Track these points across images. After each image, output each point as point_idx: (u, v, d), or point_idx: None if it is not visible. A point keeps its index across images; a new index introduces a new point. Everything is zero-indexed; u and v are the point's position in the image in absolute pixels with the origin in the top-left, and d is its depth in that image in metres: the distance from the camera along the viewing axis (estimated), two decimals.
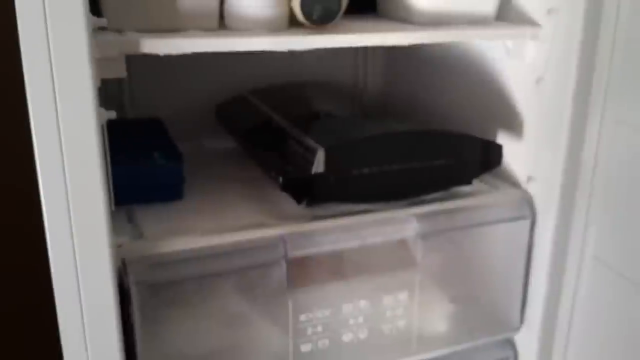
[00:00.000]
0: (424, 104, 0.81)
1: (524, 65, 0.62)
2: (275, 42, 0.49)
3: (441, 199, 0.59)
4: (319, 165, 0.52)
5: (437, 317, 0.59)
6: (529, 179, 0.63)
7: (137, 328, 0.46)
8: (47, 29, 0.38)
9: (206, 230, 0.51)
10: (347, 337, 0.55)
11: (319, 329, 0.53)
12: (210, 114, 0.78)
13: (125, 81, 0.77)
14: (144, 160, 0.58)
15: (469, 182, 0.61)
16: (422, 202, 0.58)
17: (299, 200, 0.56)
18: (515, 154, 0.64)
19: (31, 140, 0.40)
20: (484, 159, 0.60)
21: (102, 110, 0.42)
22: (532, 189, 0.62)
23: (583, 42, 0.56)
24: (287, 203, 0.57)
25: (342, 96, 0.79)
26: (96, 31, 0.45)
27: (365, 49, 0.91)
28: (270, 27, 0.51)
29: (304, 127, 0.59)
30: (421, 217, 0.56)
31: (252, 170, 0.67)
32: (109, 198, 0.43)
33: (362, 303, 0.54)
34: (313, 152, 0.53)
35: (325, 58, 0.87)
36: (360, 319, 0.55)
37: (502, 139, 0.66)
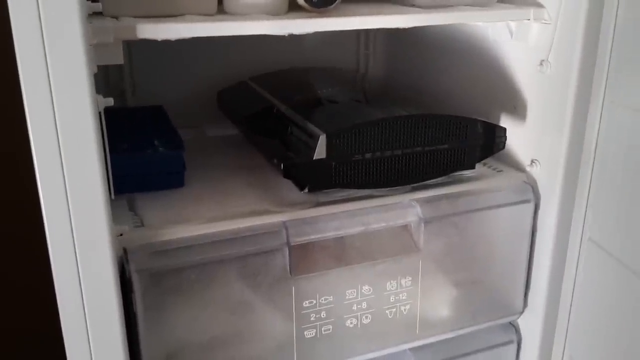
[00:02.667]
0: (426, 88, 0.80)
1: (528, 47, 0.61)
2: (275, 26, 0.49)
3: (444, 184, 0.59)
4: (320, 151, 0.52)
5: (440, 301, 0.59)
6: (532, 162, 0.62)
7: (140, 317, 0.46)
8: (39, 14, 0.37)
9: (208, 217, 0.51)
10: (350, 323, 0.54)
11: (323, 315, 0.53)
12: (210, 101, 0.78)
13: (126, 69, 0.77)
14: (145, 148, 0.58)
15: (472, 167, 0.60)
16: (425, 187, 0.58)
17: (301, 187, 0.55)
18: (519, 137, 0.63)
19: (27, 129, 0.39)
20: (488, 142, 0.60)
21: (100, 97, 0.42)
22: (535, 172, 0.62)
23: (587, 24, 0.55)
24: (289, 190, 0.57)
25: (343, 81, 0.78)
26: (91, 17, 0.44)
27: (366, 34, 0.90)
28: (270, 11, 0.50)
29: (305, 113, 0.59)
30: (424, 202, 0.56)
31: (254, 157, 0.66)
32: (108, 186, 0.42)
33: (365, 288, 0.54)
34: (314, 138, 0.52)
35: (326, 43, 0.87)
36: (364, 305, 0.54)
37: (505, 122, 0.65)
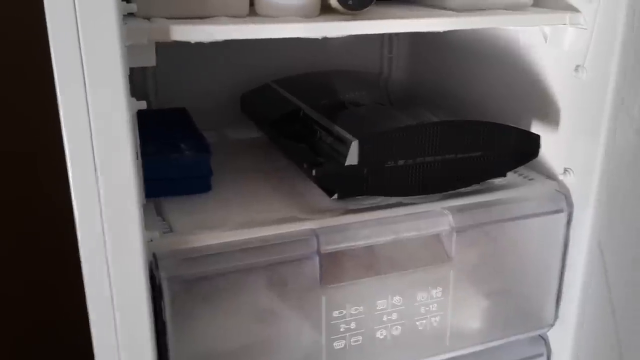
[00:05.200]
0: (452, 92, 0.79)
1: (562, 52, 0.59)
2: (309, 29, 0.48)
3: (474, 192, 0.58)
4: (352, 157, 0.51)
5: (471, 313, 0.58)
6: (566, 170, 0.61)
7: (169, 324, 0.45)
8: (76, 14, 0.36)
9: (237, 223, 0.50)
10: (380, 334, 0.53)
11: (352, 325, 0.52)
12: (231, 104, 0.77)
13: (149, 70, 0.76)
14: (171, 152, 0.57)
15: (503, 175, 0.59)
16: (455, 195, 0.57)
17: (330, 193, 0.54)
18: (551, 144, 0.61)
19: (61, 133, 0.38)
20: (521, 150, 0.58)
21: (133, 99, 0.41)
22: (569, 181, 0.60)
23: (625, 29, 0.53)
24: (317, 195, 0.56)
25: (368, 85, 0.77)
26: (125, 17, 0.43)
27: (390, 36, 0.89)
28: (302, 14, 0.49)
29: (333, 117, 0.58)
30: (456, 211, 0.54)
31: (279, 162, 0.65)
32: (141, 191, 0.42)
33: (396, 299, 0.53)
34: (346, 144, 0.51)
35: (349, 46, 0.85)
36: (394, 316, 0.53)
37: (536, 128, 0.64)
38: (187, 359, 0.47)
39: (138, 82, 0.76)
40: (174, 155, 0.56)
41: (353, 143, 0.50)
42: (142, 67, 0.76)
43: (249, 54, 0.80)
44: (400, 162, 0.53)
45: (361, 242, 0.51)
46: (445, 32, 0.54)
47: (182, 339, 0.46)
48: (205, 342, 0.47)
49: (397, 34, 0.88)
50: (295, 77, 0.76)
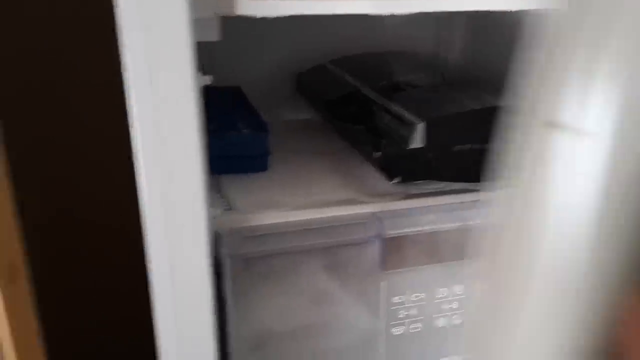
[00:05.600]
0: (511, 76, 0.75)
1: None
2: (378, 5, 0.46)
3: None
4: (417, 140, 0.49)
5: None
6: None
7: (229, 301, 0.45)
8: None
9: (296, 204, 0.49)
10: (440, 323, 0.52)
11: (412, 312, 0.50)
12: (282, 84, 0.76)
13: (204, 47, 0.75)
14: (229, 130, 0.56)
15: None
16: None
17: (391, 177, 0.52)
18: None
19: (126, 109, 0.38)
20: None
21: (200, 74, 0.40)
22: None
23: None
24: (375, 178, 0.54)
25: (425, 66, 0.75)
26: None
27: (449, 16, 0.86)
28: None
29: (394, 99, 0.56)
30: None
31: (335, 143, 0.64)
32: (206, 167, 0.41)
33: (458, 288, 0.51)
34: (411, 126, 0.49)
35: (405, 27, 0.83)
36: (455, 305, 0.51)
37: None
38: (245, 337, 0.46)
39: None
40: (232, 133, 0.56)
41: (419, 125, 0.49)
42: (197, 44, 0.75)
43: (302, 34, 0.78)
44: (467, 147, 0.51)
45: (426, 228, 0.49)
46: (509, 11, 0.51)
47: (241, 317, 0.45)
48: (264, 321, 0.47)
49: (453, 14, 0.85)
50: (351, 57, 0.75)
